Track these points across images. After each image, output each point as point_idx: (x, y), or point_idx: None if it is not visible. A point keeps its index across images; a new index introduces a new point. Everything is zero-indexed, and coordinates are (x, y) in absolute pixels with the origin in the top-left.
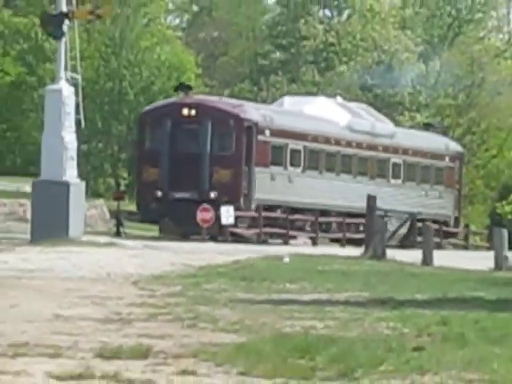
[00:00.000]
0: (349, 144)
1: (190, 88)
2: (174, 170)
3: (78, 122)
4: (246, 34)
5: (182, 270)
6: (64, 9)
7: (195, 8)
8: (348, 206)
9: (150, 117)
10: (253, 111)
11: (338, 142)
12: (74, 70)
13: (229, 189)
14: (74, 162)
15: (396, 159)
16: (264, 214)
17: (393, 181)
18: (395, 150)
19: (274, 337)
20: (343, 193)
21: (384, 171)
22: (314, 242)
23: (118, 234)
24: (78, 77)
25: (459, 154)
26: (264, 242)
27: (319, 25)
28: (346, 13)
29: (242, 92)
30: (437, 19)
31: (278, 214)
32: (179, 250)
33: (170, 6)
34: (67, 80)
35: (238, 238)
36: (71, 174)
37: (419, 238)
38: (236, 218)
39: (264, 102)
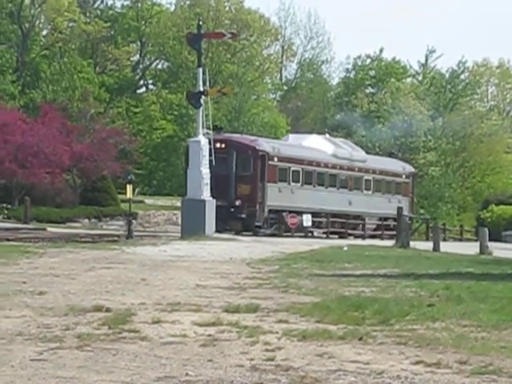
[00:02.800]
0: (334, 167)
1: (221, 128)
2: (211, 186)
3: (210, 161)
4: (318, 104)
5: (278, 256)
6: (201, 88)
7: (285, 87)
8: (334, 210)
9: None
10: (265, 144)
11: (326, 165)
12: (208, 128)
13: (248, 198)
14: (208, 187)
15: (367, 177)
16: (332, 219)
17: (365, 192)
18: (367, 171)
19: (338, 298)
20: (330, 200)
21: (359, 185)
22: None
23: (128, 235)
24: (211, 132)
25: (412, 173)
26: (328, 237)
27: (365, 97)
28: (383, 90)
29: None
30: (441, 93)
31: (341, 219)
32: (276, 243)
33: (270, 86)
34: (204, 134)
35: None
36: (206, 194)
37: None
38: (313, 221)
39: None
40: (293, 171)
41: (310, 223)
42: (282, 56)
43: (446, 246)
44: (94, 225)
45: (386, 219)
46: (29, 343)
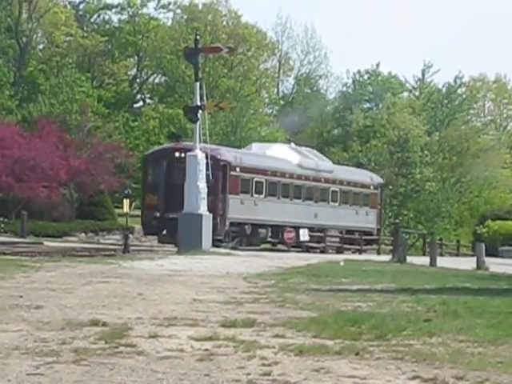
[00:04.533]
0: (299, 177)
1: (179, 137)
2: (168, 197)
3: (207, 176)
4: (315, 119)
5: (275, 270)
6: (198, 103)
7: (282, 102)
8: (298, 222)
9: (151, 158)
10: (227, 153)
11: (291, 176)
12: (205, 142)
13: (209, 210)
14: (205, 201)
15: (334, 188)
16: (326, 234)
17: (332, 203)
18: (334, 181)
19: (335, 313)
20: (294, 213)
21: (325, 196)
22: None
23: (125, 249)
24: (208, 146)
25: (380, 184)
26: (324, 252)
27: (361, 113)
28: (379, 105)
29: None
30: (438, 108)
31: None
32: (273, 257)
33: (267, 100)
34: (200, 149)
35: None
36: (203, 208)
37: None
38: (310, 236)
39: None
40: (256, 182)
41: (307, 238)
42: (279, 70)
43: (443, 261)
44: (90, 239)
45: (352, 232)
46: (25, 357)
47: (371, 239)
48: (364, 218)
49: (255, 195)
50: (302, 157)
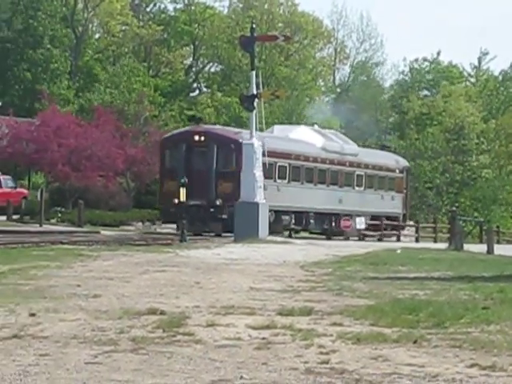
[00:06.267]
0: (323, 161)
1: (200, 119)
2: (188, 183)
3: (263, 164)
4: (371, 106)
5: (332, 259)
6: (254, 92)
7: (338, 90)
8: (323, 208)
9: (169, 141)
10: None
11: (315, 160)
12: (261, 130)
13: (230, 197)
14: (261, 190)
15: (359, 172)
16: (385, 222)
17: (357, 188)
18: (359, 165)
19: (392, 301)
20: (319, 198)
21: (350, 181)
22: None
23: (182, 238)
24: (264, 135)
25: (406, 167)
26: (381, 240)
27: (417, 100)
28: (435, 93)
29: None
30: (494, 96)
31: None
32: (330, 246)
33: (323, 88)
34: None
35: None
36: (260, 197)
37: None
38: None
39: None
40: (279, 167)
41: (363, 226)
42: (335, 59)
43: (500, 249)
44: (147, 228)
45: (377, 218)
46: (83, 346)
47: (397, 225)
48: (389, 203)
49: (278, 180)
50: (326, 140)
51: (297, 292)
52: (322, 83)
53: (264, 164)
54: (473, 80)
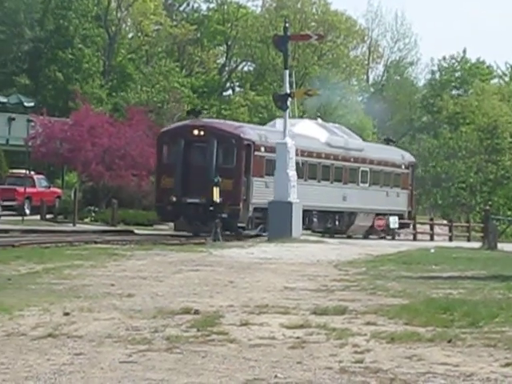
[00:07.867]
0: (327, 157)
1: (199, 113)
2: (186, 180)
3: (297, 163)
4: (404, 106)
5: (365, 258)
6: (287, 91)
7: (372, 89)
8: (327, 206)
9: (166, 136)
10: (251, 131)
11: (318, 155)
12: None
13: (231, 195)
14: (295, 189)
15: (364, 168)
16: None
17: (361, 185)
18: (363, 161)
19: (426, 300)
20: (323, 195)
21: (354, 177)
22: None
23: (215, 238)
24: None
25: (412, 162)
26: (415, 239)
27: (450, 99)
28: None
29: (401, 144)
30: None
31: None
32: (363, 245)
33: (356, 88)
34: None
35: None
36: (293, 196)
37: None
38: (400, 223)
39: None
40: None
41: (396, 225)
42: (369, 58)
43: None
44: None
45: (383, 214)
46: (118, 345)
47: (402, 223)
48: (395, 200)
49: None
50: (330, 134)
51: (330, 291)
52: (356, 82)
53: (266, 160)
54: (507, 79)
